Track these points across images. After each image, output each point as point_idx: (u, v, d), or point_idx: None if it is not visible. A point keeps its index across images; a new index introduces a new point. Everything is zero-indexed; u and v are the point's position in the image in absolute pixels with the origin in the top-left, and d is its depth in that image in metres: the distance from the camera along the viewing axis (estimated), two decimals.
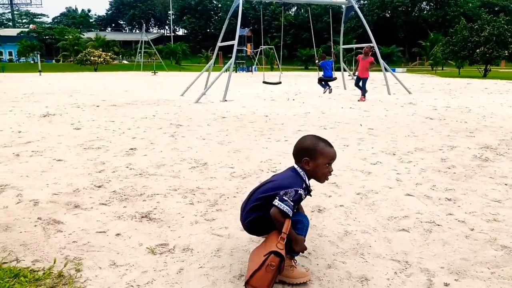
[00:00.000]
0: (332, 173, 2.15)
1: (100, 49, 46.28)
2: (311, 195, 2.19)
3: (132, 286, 2.01)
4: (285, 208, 1.95)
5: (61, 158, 4.51)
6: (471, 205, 3.20)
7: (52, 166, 4.21)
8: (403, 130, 6.43)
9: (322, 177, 2.13)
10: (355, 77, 12.84)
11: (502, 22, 28.46)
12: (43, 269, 2.14)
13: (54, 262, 2.20)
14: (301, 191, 2.02)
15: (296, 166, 2.14)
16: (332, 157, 2.10)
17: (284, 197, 1.97)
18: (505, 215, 2.99)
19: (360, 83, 11.75)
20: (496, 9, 52.38)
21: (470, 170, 4.14)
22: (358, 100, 11.47)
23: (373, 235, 2.65)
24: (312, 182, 2.16)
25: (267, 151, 4.90)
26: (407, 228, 2.77)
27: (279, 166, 4.25)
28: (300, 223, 2.05)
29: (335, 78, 12.86)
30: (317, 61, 13.31)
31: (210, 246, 2.47)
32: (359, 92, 11.87)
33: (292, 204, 1.97)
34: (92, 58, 40.95)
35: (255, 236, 2.52)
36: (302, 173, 2.10)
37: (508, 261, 2.31)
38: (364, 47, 12.50)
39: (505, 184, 3.69)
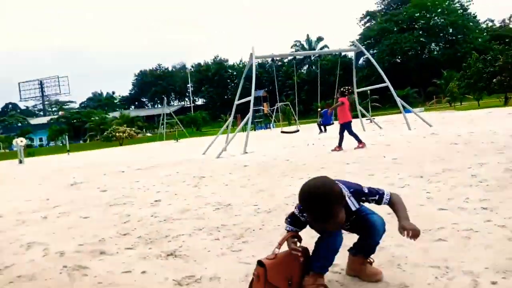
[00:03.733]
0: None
1: (125, 125, 48.24)
2: None
3: None
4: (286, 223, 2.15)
5: (87, 216, 4.56)
6: (509, 210, 3.01)
7: (78, 223, 4.24)
8: (428, 156, 6.25)
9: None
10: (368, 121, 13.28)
11: None
12: None
13: None
14: (296, 211, 2.09)
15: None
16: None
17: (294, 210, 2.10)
18: None
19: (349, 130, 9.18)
20: (507, 40, 51.70)
21: (504, 181, 3.94)
22: (355, 148, 8.80)
23: (408, 248, 2.50)
24: None
25: (291, 188, 4.81)
26: (444, 238, 2.61)
27: None
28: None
29: (332, 123, 16.72)
30: (319, 109, 18.34)
31: (238, 273, 2.38)
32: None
33: (289, 220, 2.13)
34: (117, 134, 42.58)
35: None
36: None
37: None
38: (343, 89, 9.50)
39: None
